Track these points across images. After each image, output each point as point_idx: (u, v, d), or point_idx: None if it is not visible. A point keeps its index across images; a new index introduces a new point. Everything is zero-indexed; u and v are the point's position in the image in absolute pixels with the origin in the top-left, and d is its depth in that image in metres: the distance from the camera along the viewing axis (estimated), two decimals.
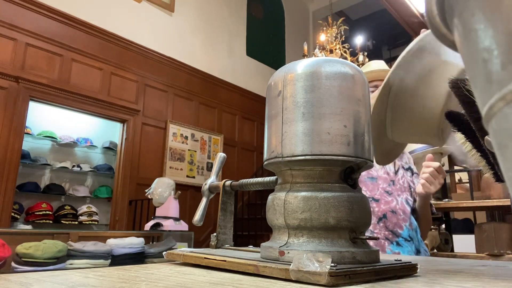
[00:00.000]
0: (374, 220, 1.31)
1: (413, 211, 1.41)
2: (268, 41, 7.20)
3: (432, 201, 1.52)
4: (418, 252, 1.32)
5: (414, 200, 1.45)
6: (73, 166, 4.82)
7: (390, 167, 1.45)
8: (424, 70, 0.68)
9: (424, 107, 0.70)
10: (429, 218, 1.45)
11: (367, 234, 0.94)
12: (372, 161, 0.55)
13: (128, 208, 4.62)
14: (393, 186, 1.40)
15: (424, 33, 0.68)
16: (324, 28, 5.58)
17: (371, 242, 1.11)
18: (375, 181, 1.40)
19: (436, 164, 1.27)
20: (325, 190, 0.51)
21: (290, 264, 0.43)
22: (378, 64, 1.53)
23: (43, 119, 4.70)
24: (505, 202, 2.37)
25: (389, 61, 7.37)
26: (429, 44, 0.68)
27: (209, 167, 5.61)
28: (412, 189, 1.44)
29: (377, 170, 1.43)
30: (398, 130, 0.75)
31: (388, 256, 0.87)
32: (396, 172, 1.44)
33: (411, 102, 0.71)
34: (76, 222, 4.49)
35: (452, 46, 0.26)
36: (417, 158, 2.06)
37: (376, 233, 1.30)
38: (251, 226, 5.18)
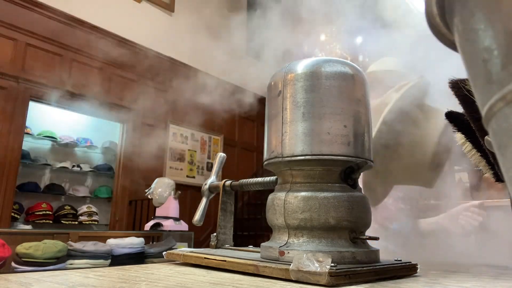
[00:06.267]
0: None
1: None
2: (268, 41, 7.20)
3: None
4: None
5: None
6: (73, 166, 4.81)
7: None
8: (412, 119, 0.70)
9: (413, 154, 0.72)
10: None
11: None
12: (372, 161, 0.55)
13: (128, 208, 4.62)
14: None
15: (405, 87, 0.70)
16: (324, 28, 5.58)
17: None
18: None
19: (485, 214, 1.25)
20: (325, 190, 0.51)
21: (290, 264, 0.43)
22: (394, 63, 1.40)
23: (43, 119, 4.69)
24: (505, 202, 2.36)
25: None
26: (410, 98, 0.70)
27: (209, 167, 5.61)
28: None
29: None
30: (389, 177, 0.76)
31: (387, 256, 0.87)
32: None
33: (400, 152, 0.72)
34: (76, 222, 4.49)
35: (452, 46, 0.26)
36: None
37: None
38: (251, 226, 5.17)
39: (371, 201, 0.85)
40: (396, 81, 1.39)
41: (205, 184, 0.78)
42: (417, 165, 0.72)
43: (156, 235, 3.06)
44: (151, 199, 3.22)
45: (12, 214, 3.83)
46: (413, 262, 0.53)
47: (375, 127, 0.72)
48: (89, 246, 2.28)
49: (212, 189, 0.77)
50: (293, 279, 0.43)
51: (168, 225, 3.01)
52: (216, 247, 0.70)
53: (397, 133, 0.71)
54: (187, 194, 5.05)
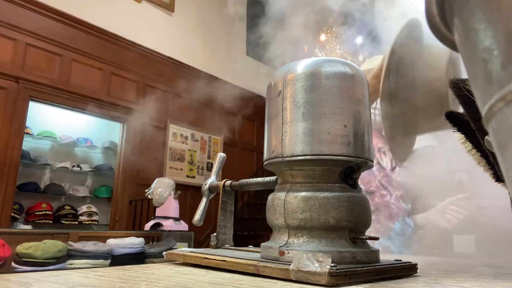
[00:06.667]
0: None
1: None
2: (268, 41, 7.20)
3: None
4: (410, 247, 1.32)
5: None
6: (73, 166, 4.81)
7: (387, 162, 1.45)
8: (415, 52, 0.70)
9: (427, 84, 0.71)
10: None
11: None
12: (372, 161, 0.55)
13: (128, 208, 4.62)
14: (387, 182, 1.40)
15: (406, 20, 0.70)
16: (324, 28, 5.58)
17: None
18: (372, 173, 1.40)
19: (470, 208, 1.27)
20: (325, 190, 0.51)
21: (290, 264, 0.43)
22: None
23: (43, 119, 4.69)
24: (505, 202, 2.37)
25: None
26: (413, 30, 0.70)
27: (209, 167, 5.61)
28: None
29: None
30: (404, 118, 0.76)
31: (387, 256, 0.87)
32: (393, 169, 1.44)
33: (413, 84, 0.72)
34: (76, 222, 4.49)
35: (452, 46, 0.26)
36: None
37: None
38: (251, 226, 5.17)
39: (400, 157, 0.85)
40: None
41: (205, 184, 0.78)
42: (432, 105, 0.71)
43: (156, 235, 3.07)
44: (151, 199, 3.22)
45: (12, 214, 3.83)
46: (413, 262, 0.53)
47: (381, 77, 0.71)
48: (89, 246, 2.28)
49: (212, 189, 0.77)
50: (293, 279, 0.43)
51: (168, 225, 3.01)
52: (216, 247, 0.70)
53: (403, 77, 0.71)
54: (187, 194, 5.05)
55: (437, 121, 0.73)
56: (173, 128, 5.24)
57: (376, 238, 0.56)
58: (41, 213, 4.19)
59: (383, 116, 0.72)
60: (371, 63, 1.49)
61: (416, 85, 0.71)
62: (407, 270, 0.51)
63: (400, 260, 0.52)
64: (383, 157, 1.42)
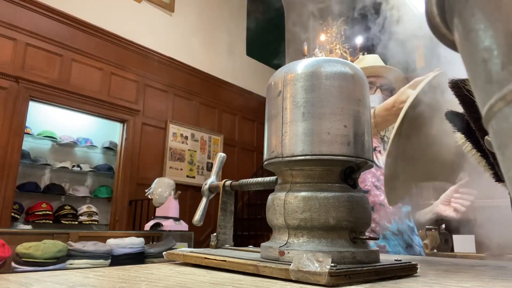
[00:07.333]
0: None
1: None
2: (268, 41, 7.20)
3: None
4: (409, 247, 1.30)
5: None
6: (73, 166, 4.81)
7: (383, 161, 1.44)
8: (433, 110, 0.69)
9: (439, 145, 0.70)
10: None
11: None
12: (372, 161, 0.55)
13: (128, 208, 4.62)
14: (382, 182, 1.39)
15: (433, 74, 0.69)
16: (324, 28, 5.58)
17: None
18: (367, 172, 1.38)
19: (475, 192, 1.25)
20: (325, 190, 0.51)
21: (290, 264, 0.43)
22: (374, 59, 1.48)
23: (43, 119, 4.69)
24: (505, 202, 2.36)
25: None
26: (439, 85, 0.69)
27: (209, 167, 5.61)
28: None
29: None
30: (411, 173, 0.75)
31: (387, 256, 0.87)
32: None
33: (425, 143, 0.71)
34: (76, 222, 4.49)
35: (452, 46, 0.26)
36: None
37: None
38: (251, 226, 5.17)
39: (391, 200, 0.84)
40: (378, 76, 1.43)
41: (205, 184, 0.78)
42: (439, 159, 0.71)
43: (156, 235, 3.06)
44: (151, 199, 3.22)
45: (12, 214, 3.83)
46: (413, 262, 0.53)
47: (396, 124, 0.71)
48: (89, 246, 2.28)
49: (212, 189, 0.77)
50: (293, 279, 0.43)
51: (168, 225, 3.01)
52: (216, 247, 0.70)
53: (419, 129, 0.70)
54: (187, 194, 5.05)
55: (438, 178, 0.74)
56: (173, 128, 5.24)
57: (376, 238, 0.56)
58: (41, 213, 4.19)
59: (386, 171, 0.72)
60: (359, 63, 1.49)
61: (427, 145, 0.71)
62: (407, 270, 0.51)
63: (400, 260, 0.52)
64: (378, 156, 1.41)
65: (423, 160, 0.73)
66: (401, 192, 0.84)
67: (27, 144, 4.33)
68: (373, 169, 1.39)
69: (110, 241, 2.46)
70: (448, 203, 1.29)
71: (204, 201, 0.77)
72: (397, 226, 1.30)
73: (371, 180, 1.37)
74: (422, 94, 0.70)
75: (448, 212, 1.28)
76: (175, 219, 3.08)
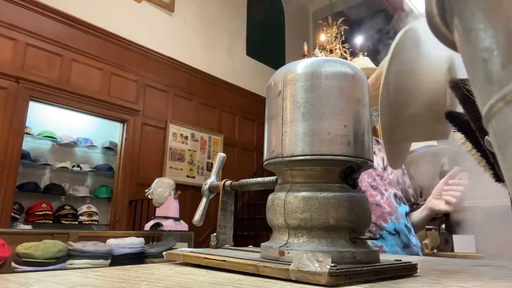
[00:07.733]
0: None
1: (408, 211, 1.40)
2: (268, 41, 7.20)
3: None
4: (406, 247, 1.30)
5: (412, 205, 1.44)
6: (73, 166, 4.82)
7: (378, 162, 1.44)
8: (414, 61, 0.70)
9: (427, 92, 0.70)
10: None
11: None
12: (372, 161, 0.55)
13: (128, 208, 4.62)
14: (379, 181, 1.38)
15: (404, 29, 0.70)
16: (324, 28, 5.58)
17: None
18: (361, 174, 1.38)
19: (465, 182, 1.24)
20: (325, 190, 0.51)
21: (290, 264, 0.43)
22: (364, 62, 1.50)
23: (43, 119, 4.69)
24: (505, 202, 2.37)
25: None
26: (411, 39, 0.70)
27: (209, 167, 5.61)
28: (401, 186, 1.44)
29: None
30: (403, 130, 0.75)
31: (386, 256, 0.87)
32: (385, 168, 1.44)
33: (412, 94, 0.71)
34: (76, 222, 4.49)
35: (452, 46, 0.26)
36: (416, 158, 2.06)
37: None
38: (251, 226, 5.18)
39: (394, 162, 0.84)
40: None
41: (205, 184, 0.78)
42: (431, 114, 0.70)
43: (156, 235, 3.07)
44: (151, 199, 3.22)
45: (12, 214, 3.83)
46: (413, 262, 0.53)
47: (381, 85, 0.71)
48: (89, 246, 2.28)
49: (212, 189, 0.77)
50: (293, 279, 0.43)
51: (168, 225, 3.01)
52: (216, 247, 0.70)
53: (402, 87, 0.70)
54: (187, 194, 5.05)
55: (435, 128, 0.73)
56: (173, 128, 5.24)
57: (376, 238, 0.56)
58: (41, 213, 4.20)
59: (381, 124, 0.72)
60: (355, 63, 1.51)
61: (415, 93, 0.71)
62: (407, 270, 0.51)
63: (400, 260, 0.52)
64: (373, 157, 1.41)
65: (414, 112, 0.72)
66: (400, 153, 0.84)
67: (27, 144, 4.33)
68: (369, 169, 1.39)
69: (110, 241, 2.46)
70: (439, 197, 1.29)
71: (204, 201, 0.77)
72: (394, 226, 1.29)
73: (367, 181, 1.37)
74: (400, 46, 0.70)
75: (440, 205, 1.29)
76: (175, 219, 3.08)
